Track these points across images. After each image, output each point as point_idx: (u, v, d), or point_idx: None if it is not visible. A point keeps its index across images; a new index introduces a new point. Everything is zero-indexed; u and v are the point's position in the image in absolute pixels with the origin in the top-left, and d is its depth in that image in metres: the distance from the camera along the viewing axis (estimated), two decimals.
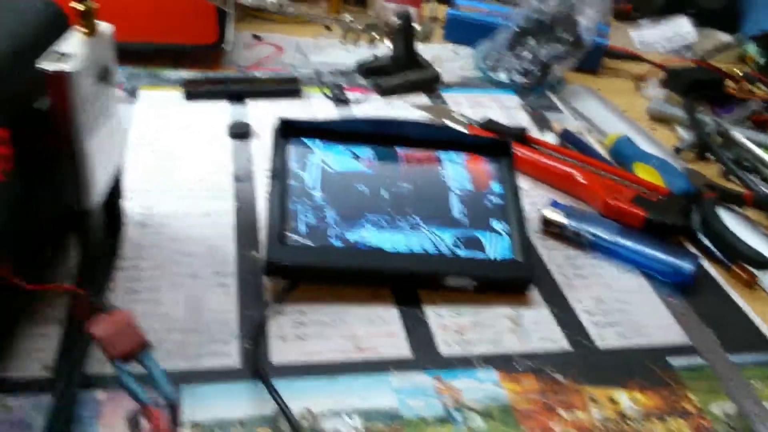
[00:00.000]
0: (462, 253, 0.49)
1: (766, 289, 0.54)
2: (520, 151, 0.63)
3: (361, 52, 0.82)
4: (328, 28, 0.93)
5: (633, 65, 0.93)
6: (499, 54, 0.84)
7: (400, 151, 0.57)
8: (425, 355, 0.44)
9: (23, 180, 0.36)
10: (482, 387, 0.42)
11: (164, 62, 0.77)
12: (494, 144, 0.58)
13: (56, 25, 0.40)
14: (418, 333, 0.45)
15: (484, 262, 0.49)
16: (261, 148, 0.63)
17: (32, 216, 0.39)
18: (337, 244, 0.48)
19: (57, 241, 0.44)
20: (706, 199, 0.59)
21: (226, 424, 0.38)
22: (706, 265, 0.56)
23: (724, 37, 1.04)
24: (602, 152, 0.70)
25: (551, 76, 0.82)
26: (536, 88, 0.82)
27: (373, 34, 0.79)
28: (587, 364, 0.45)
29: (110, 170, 0.44)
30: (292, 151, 0.55)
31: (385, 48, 0.80)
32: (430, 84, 0.80)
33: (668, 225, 0.56)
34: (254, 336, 0.43)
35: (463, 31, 0.93)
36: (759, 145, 0.71)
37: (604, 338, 0.47)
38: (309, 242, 0.48)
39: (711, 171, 0.70)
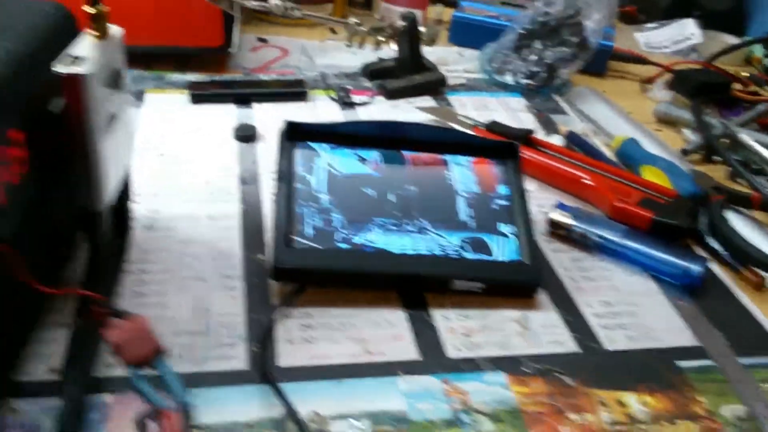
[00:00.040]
0: (469, 255, 0.49)
1: None
2: (526, 153, 0.63)
3: (367, 54, 0.82)
4: (333, 30, 0.93)
5: (639, 67, 0.93)
6: (504, 56, 0.84)
7: (407, 154, 0.57)
8: (433, 358, 0.44)
9: (38, 182, 0.36)
10: (490, 390, 0.42)
11: (170, 65, 0.77)
12: (501, 146, 0.58)
13: (66, 29, 0.40)
14: (426, 336, 0.45)
15: (491, 265, 0.49)
16: (266, 150, 0.63)
17: (47, 218, 0.39)
18: (344, 247, 0.48)
19: (69, 243, 0.44)
20: (714, 202, 0.58)
21: (234, 427, 0.37)
22: (714, 267, 0.55)
23: (730, 39, 1.04)
24: (609, 154, 0.69)
25: (557, 79, 0.82)
26: (542, 91, 0.82)
27: (379, 36, 0.78)
28: (596, 366, 0.44)
29: (120, 172, 0.44)
30: (299, 154, 0.55)
31: (390, 51, 0.80)
32: (435, 86, 0.80)
33: (676, 227, 0.56)
34: (261, 339, 0.43)
35: (469, 34, 0.93)
36: (766, 147, 0.71)
37: (613, 341, 0.47)
38: (316, 245, 0.48)
39: (718, 173, 0.69)
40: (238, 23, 0.78)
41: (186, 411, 0.35)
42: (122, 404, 0.38)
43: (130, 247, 0.49)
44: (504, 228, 0.52)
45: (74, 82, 0.35)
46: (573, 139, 0.71)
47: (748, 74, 0.91)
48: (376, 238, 0.49)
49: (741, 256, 0.55)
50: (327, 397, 0.40)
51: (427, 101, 0.77)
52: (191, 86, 0.72)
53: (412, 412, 0.40)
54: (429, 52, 0.83)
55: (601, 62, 0.89)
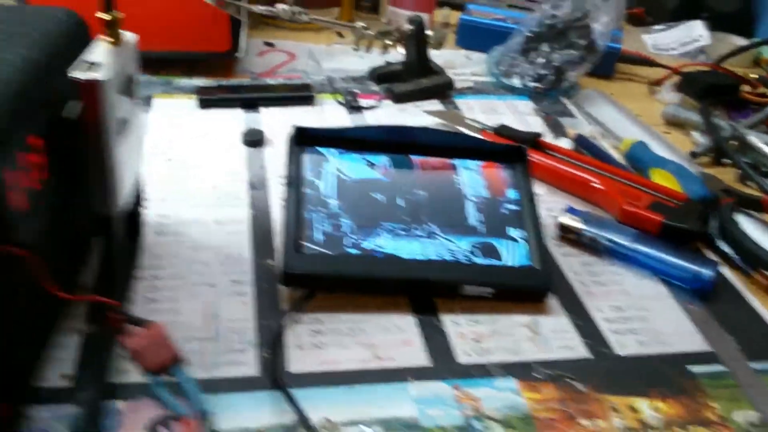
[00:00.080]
0: (479, 260, 0.49)
1: None
2: (535, 157, 0.63)
3: (374, 58, 0.82)
4: (340, 34, 0.93)
5: (647, 70, 0.93)
6: (512, 59, 0.84)
7: (415, 158, 0.57)
8: (443, 363, 0.44)
9: (57, 188, 0.36)
10: (501, 396, 0.42)
11: (177, 70, 0.78)
12: (509, 150, 0.58)
13: (79, 35, 0.40)
14: (436, 341, 0.45)
15: (501, 270, 0.49)
16: (274, 155, 0.63)
17: (66, 224, 0.39)
18: (354, 252, 0.48)
19: (85, 248, 0.45)
20: (724, 205, 0.58)
21: None
22: (725, 271, 0.55)
23: (739, 41, 1.03)
24: (617, 157, 0.69)
25: (565, 82, 0.82)
26: (550, 94, 0.82)
27: (386, 40, 0.79)
28: (607, 372, 0.44)
29: (133, 177, 0.45)
30: (307, 159, 0.55)
31: (397, 54, 0.80)
32: (443, 90, 0.80)
33: (686, 231, 0.55)
34: (272, 345, 0.43)
35: (476, 37, 0.92)
36: None
37: (624, 346, 0.46)
38: (325, 251, 0.48)
39: (728, 176, 0.69)
40: (245, 28, 0.78)
41: (205, 418, 0.35)
42: (134, 411, 0.38)
43: (142, 253, 0.49)
44: (514, 232, 0.52)
45: (92, 87, 0.35)
46: (581, 142, 0.71)
47: (756, 76, 0.90)
48: (385, 243, 0.49)
49: (752, 259, 0.54)
50: (338, 403, 0.40)
51: (435, 105, 0.77)
52: (199, 91, 0.72)
53: (424, 418, 0.40)
54: (436, 55, 0.83)
55: (608, 65, 0.89)
